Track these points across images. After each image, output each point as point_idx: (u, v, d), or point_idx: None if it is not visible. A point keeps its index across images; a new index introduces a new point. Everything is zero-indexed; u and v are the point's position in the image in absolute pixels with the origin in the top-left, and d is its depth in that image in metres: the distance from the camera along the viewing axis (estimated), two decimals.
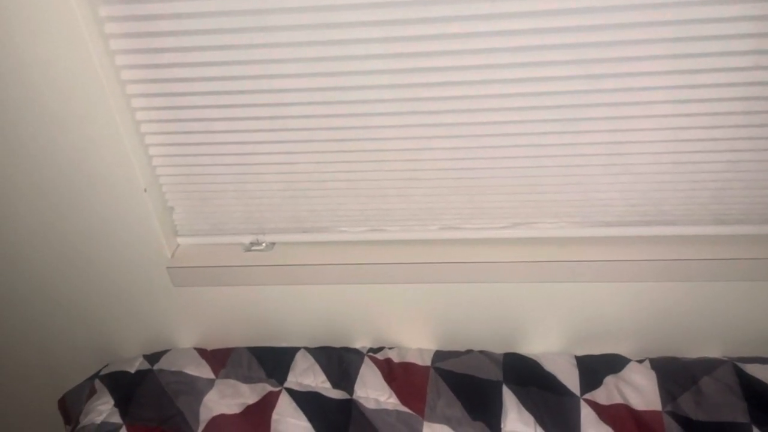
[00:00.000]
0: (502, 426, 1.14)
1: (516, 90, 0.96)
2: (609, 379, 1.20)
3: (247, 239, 1.25)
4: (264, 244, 1.24)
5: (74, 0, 0.88)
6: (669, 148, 1.02)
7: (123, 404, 1.22)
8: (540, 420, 1.14)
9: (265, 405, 1.21)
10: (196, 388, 1.24)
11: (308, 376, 1.26)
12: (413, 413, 1.18)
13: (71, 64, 0.94)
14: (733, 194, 1.08)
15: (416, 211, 1.16)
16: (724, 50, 0.89)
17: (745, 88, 0.93)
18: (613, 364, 1.23)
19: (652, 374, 1.20)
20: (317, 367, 1.27)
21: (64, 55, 0.93)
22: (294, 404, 1.20)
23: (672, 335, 1.27)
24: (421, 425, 1.16)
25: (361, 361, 1.27)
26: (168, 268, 1.23)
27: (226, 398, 1.22)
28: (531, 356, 1.27)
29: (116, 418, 1.19)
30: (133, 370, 1.29)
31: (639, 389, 1.18)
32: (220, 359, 1.31)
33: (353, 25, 0.90)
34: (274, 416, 1.18)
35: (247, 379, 1.27)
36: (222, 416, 1.19)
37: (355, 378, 1.24)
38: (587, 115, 0.99)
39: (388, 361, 1.28)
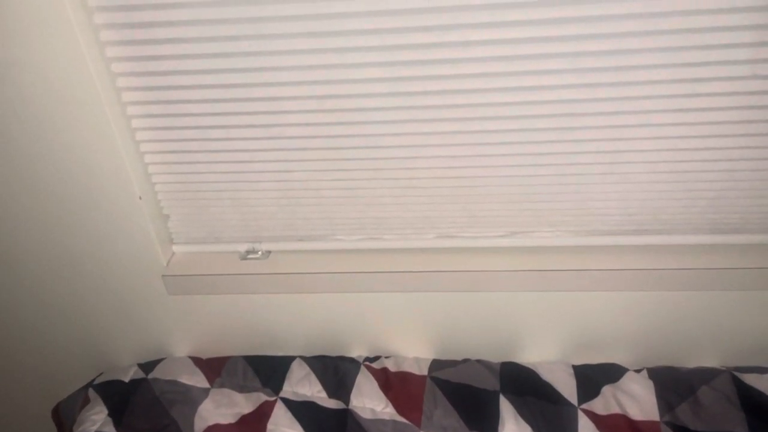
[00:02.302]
0: None
1: (513, 98, 0.96)
2: (606, 389, 1.20)
3: (242, 247, 1.24)
4: (260, 253, 1.24)
5: (70, 8, 0.88)
6: (666, 157, 1.02)
7: (117, 414, 1.21)
8: (537, 430, 1.14)
9: (261, 415, 1.20)
10: (191, 398, 1.23)
11: (304, 386, 1.25)
12: (409, 423, 1.17)
13: (67, 72, 0.94)
14: (730, 203, 1.08)
15: (412, 220, 1.16)
16: (721, 59, 0.89)
17: (742, 97, 0.93)
18: (610, 373, 1.23)
19: (650, 384, 1.19)
20: (313, 377, 1.26)
21: (59, 62, 0.93)
22: (289, 414, 1.19)
23: (670, 344, 1.27)
24: None
25: (358, 371, 1.27)
26: (163, 276, 1.22)
27: (221, 408, 1.21)
28: (528, 365, 1.26)
29: (110, 428, 1.18)
30: (127, 379, 1.28)
31: (637, 399, 1.17)
32: (216, 368, 1.30)
33: (350, 33, 0.90)
34: (270, 426, 1.17)
35: (243, 389, 1.26)
36: (217, 426, 1.18)
37: (351, 387, 1.23)
38: (584, 123, 0.98)
39: (385, 370, 1.27)
